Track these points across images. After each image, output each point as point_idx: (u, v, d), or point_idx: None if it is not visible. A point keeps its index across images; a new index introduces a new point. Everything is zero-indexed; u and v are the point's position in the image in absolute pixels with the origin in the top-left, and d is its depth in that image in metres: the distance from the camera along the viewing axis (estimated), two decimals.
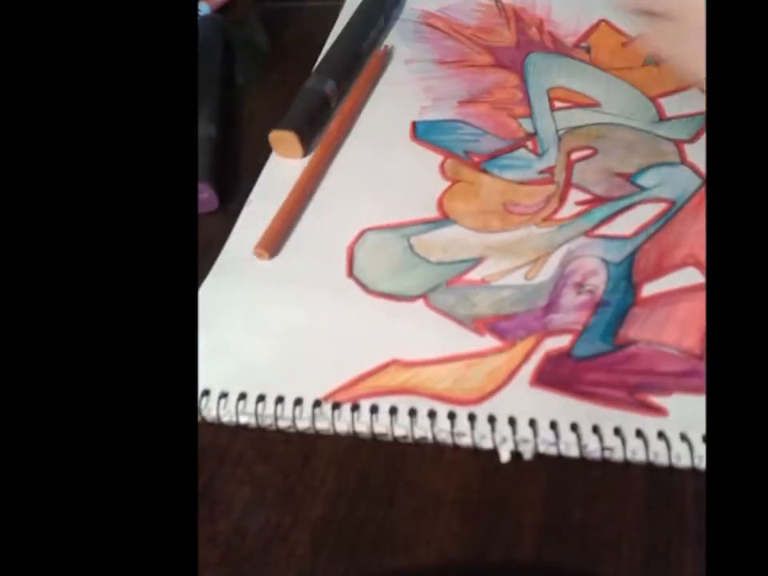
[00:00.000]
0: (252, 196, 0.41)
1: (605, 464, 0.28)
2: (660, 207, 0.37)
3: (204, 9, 0.53)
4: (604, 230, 0.36)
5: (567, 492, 0.27)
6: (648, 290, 0.33)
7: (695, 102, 0.42)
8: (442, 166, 0.41)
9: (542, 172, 0.40)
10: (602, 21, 0.48)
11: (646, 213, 0.36)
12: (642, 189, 0.38)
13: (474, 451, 0.29)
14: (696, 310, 0.32)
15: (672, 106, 0.42)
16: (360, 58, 0.49)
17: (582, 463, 0.28)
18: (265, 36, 0.54)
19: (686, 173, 0.38)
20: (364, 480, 0.29)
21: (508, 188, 0.39)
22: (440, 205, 0.39)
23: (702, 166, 0.38)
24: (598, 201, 0.38)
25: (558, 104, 0.44)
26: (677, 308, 0.32)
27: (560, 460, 0.28)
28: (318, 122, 0.44)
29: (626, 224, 0.36)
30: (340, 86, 0.46)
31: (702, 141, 0.40)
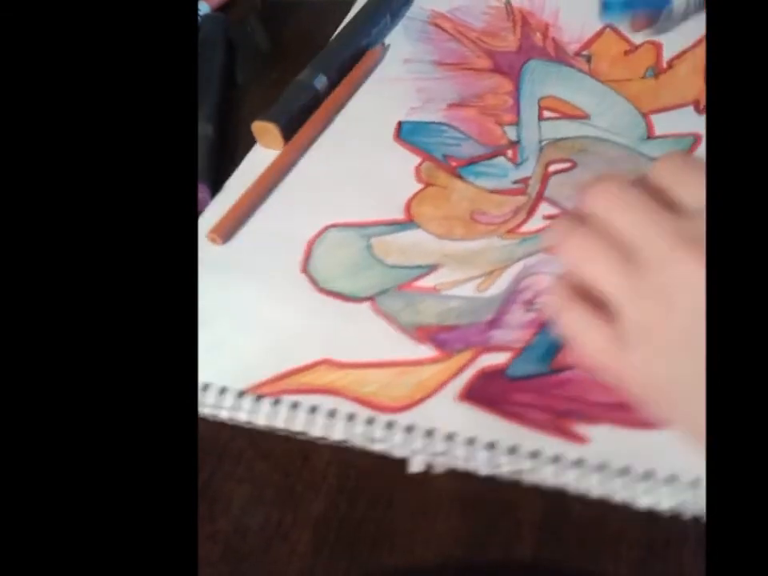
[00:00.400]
0: (227, 183, 0.41)
1: None
2: None
3: (204, 8, 0.53)
4: None
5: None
6: None
7: (688, 122, 0.40)
8: (418, 168, 0.40)
9: (516, 182, 0.39)
10: (608, 26, 0.47)
11: None
12: None
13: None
14: None
15: (663, 123, 0.40)
16: (359, 55, 0.48)
17: None
18: (264, 35, 0.53)
19: None
20: (364, 478, 0.28)
21: (479, 196, 0.38)
22: (408, 207, 0.38)
23: None
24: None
25: (547, 113, 0.42)
26: None
27: None
28: (306, 116, 0.44)
29: None
30: (333, 81, 0.46)
31: None
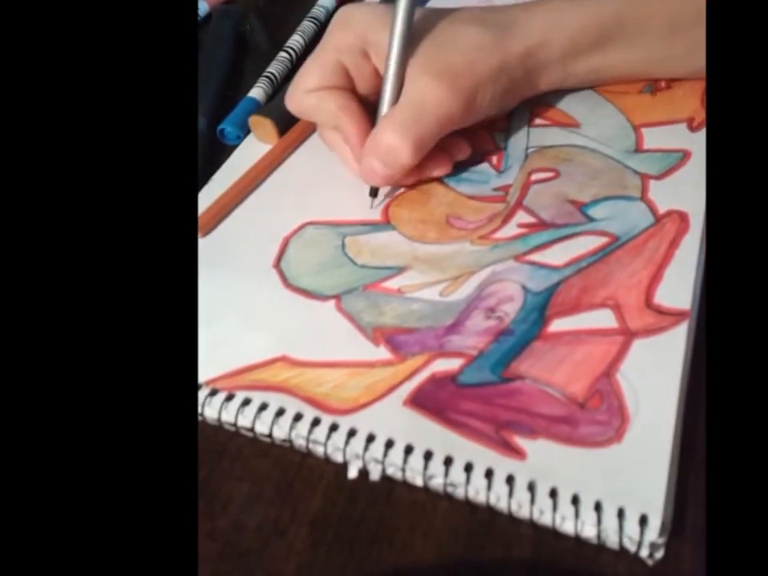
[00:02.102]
0: (214, 176, 0.41)
1: None
2: (600, 241, 0.35)
3: (202, 8, 0.54)
4: (536, 256, 0.34)
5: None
6: (557, 325, 0.31)
7: (679, 138, 0.39)
8: None
9: (496, 189, 0.38)
10: None
11: (585, 245, 0.35)
12: (590, 220, 0.36)
13: None
14: (595, 355, 0.30)
15: (653, 137, 0.40)
16: None
17: None
18: (265, 35, 0.54)
19: (640, 209, 0.36)
20: (362, 474, 0.28)
21: (458, 201, 0.38)
22: (386, 209, 0.38)
23: (660, 205, 0.36)
24: (541, 226, 0.36)
25: (537, 120, 0.42)
26: (577, 350, 0.30)
27: None
28: None
29: (561, 253, 0.34)
30: None
31: (668, 180, 0.37)
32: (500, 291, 0.33)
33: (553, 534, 0.26)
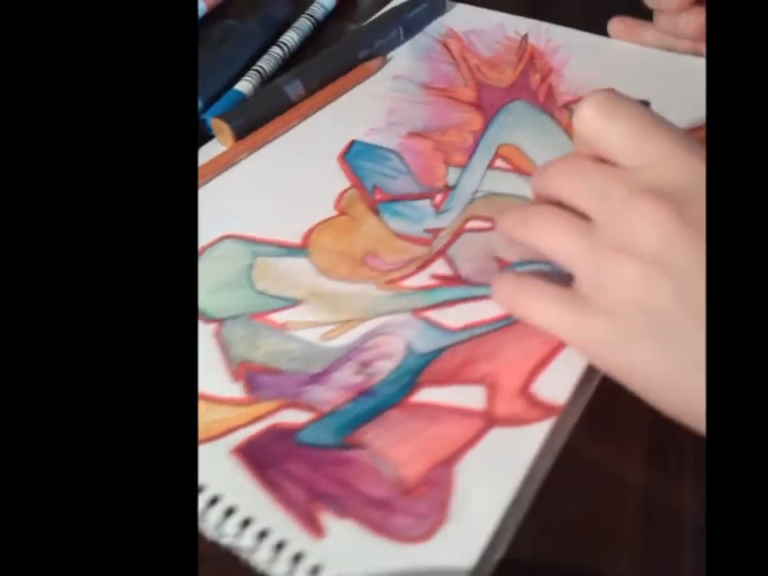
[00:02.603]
0: None
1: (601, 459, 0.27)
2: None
3: (201, 8, 0.53)
4: (434, 313, 0.32)
5: (566, 485, 0.26)
6: (424, 395, 0.29)
7: None
8: (342, 193, 0.38)
9: (427, 230, 0.36)
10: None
11: (488, 311, 0.31)
12: None
13: None
14: (446, 437, 0.27)
15: None
16: (350, 65, 0.46)
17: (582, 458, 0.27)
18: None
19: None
20: None
21: (384, 237, 0.36)
22: (308, 233, 0.36)
23: None
24: (454, 280, 0.33)
25: (499, 163, 0.39)
26: (431, 427, 0.27)
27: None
28: (270, 117, 0.42)
29: (460, 315, 0.31)
30: (311, 89, 0.44)
31: None
32: (382, 346, 0.31)
33: (553, 534, 0.25)
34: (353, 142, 0.41)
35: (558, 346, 0.29)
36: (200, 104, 0.43)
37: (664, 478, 0.26)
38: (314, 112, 0.43)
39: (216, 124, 0.41)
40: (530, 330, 0.30)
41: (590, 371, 0.28)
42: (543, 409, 0.27)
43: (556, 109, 0.41)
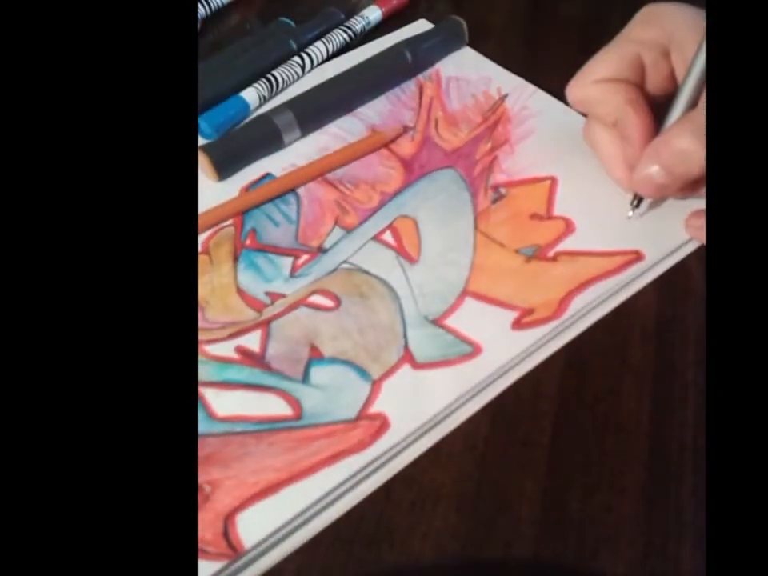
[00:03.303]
0: None
1: (601, 457, 0.27)
2: (282, 411, 0.28)
3: (201, 12, 0.51)
4: (212, 394, 0.29)
5: (565, 485, 0.26)
6: None
7: (491, 326, 0.31)
8: (217, 230, 0.36)
9: (268, 293, 0.33)
10: (551, 178, 0.37)
11: (264, 406, 0.28)
12: (302, 381, 0.29)
13: (472, 446, 0.28)
14: None
15: (469, 316, 0.31)
16: (350, 101, 0.42)
17: (583, 458, 0.27)
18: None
19: (358, 395, 0.29)
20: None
21: (224, 289, 0.33)
22: None
23: (381, 401, 0.28)
24: (253, 360, 0.30)
25: (385, 236, 0.35)
26: None
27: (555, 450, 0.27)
28: (258, 151, 0.39)
29: (234, 404, 0.29)
30: (303, 122, 0.40)
31: (421, 373, 0.29)
32: None
33: (553, 534, 0.25)
34: (266, 175, 0.38)
35: (300, 474, 0.26)
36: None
37: (664, 477, 0.26)
38: (324, 174, 0.39)
39: (200, 156, 0.38)
40: (289, 442, 0.27)
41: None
42: (227, 546, 0.24)
43: (483, 188, 0.37)
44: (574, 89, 0.34)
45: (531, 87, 0.42)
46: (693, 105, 0.31)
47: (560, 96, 0.41)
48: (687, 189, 0.33)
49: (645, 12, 0.34)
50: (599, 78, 0.33)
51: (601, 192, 0.35)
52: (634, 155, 0.32)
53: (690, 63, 0.31)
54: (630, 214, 0.34)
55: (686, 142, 0.30)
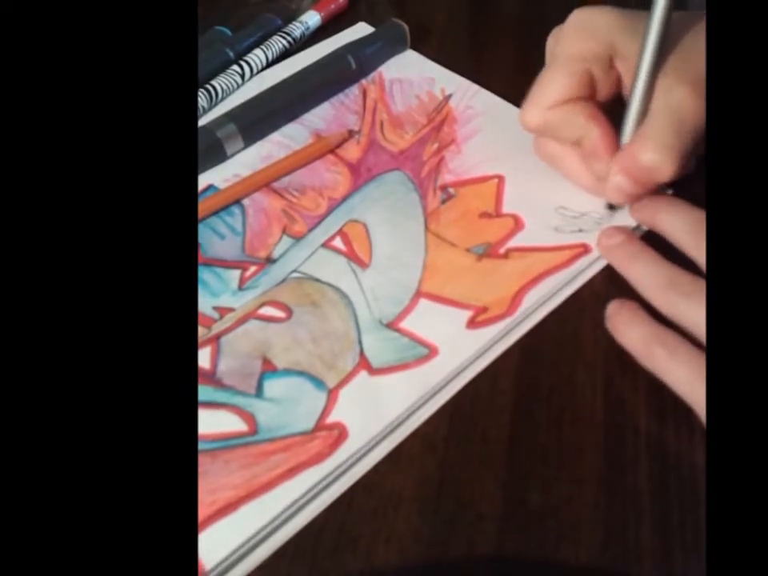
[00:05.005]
0: None
1: (559, 448, 0.27)
2: (236, 428, 0.28)
3: None
4: None
5: (525, 479, 0.26)
6: None
7: (451, 332, 0.30)
8: None
9: (216, 308, 0.32)
10: (499, 177, 0.37)
11: (218, 423, 0.28)
12: (256, 395, 0.29)
13: (432, 447, 0.27)
14: None
15: (424, 318, 0.31)
16: (294, 110, 0.42)
17: (542, 451, 0.27)
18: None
19: (315, 406, 0.28)
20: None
21: None
22: None
23: (339, 412, 0.28)
24: (202, 378, 0.29)
25: (336, 243, 0.34)
26: None
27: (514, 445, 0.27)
28: (200, 164, 0.38)
29: None
30: (246, 133, 0.39)
31: (377, 379, 0.29)
32: None
33: (515, 529, 0.25)
34: (209, 187, 0.38)
35: (248, 495, 0.25)
36: None
37: (620, 464, 0.26)
38: (269, 183, 0.38)
39: None
40: (252, 458, 0.26)
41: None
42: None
43: (432, 188, 0.36)
44: (529, 116, 0.33)
45: (475, 87, 0.42)
46: (645, 111, 0.31)
47: (503, 95, 0.41)
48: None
49: (577, 19, 0.33)
50: (554, 101, 0.32)
51: (547, 188, 0.35)
52: (603, 168, 0.32)
53: (636, 71, 0.31)
54: (609, 216, 0.34)
55: (649, 156, 0.30)
